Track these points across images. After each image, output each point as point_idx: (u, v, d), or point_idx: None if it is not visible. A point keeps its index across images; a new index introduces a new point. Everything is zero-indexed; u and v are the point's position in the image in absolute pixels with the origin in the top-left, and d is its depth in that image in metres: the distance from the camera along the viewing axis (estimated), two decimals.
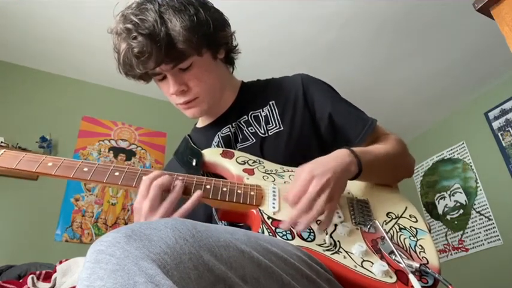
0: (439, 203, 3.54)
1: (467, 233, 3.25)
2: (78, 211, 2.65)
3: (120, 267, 0.39)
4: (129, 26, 0.82)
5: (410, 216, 0.81)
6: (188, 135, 1.08)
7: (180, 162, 0.99)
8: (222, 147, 0.97)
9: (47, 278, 1.34)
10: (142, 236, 0.44)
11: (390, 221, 0.79)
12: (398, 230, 0.77)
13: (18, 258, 2.00)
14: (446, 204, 3.47)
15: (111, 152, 2.96)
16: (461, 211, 3.34)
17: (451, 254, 3.32)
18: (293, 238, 0.70)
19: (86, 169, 0.76)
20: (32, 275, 1.30)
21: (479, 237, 3.15)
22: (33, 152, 2.56)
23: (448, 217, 3.43)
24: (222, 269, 0.46)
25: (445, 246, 3.39)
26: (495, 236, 3.04)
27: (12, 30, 2.61)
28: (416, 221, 0.80)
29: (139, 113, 3.17)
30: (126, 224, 2.72)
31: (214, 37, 0.90)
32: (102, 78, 3.05)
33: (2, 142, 2.48)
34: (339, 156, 0.77)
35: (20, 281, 1.47)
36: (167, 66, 0.86)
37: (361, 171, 0.78)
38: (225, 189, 0.78)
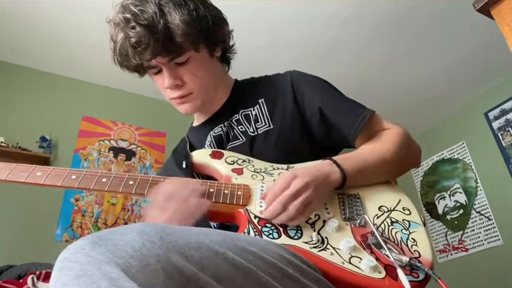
0: (439, 203, 3.54)
1: (467, 233, 3.25)
2: (78, 211, 2.65)
3: (83, 273, 0.40)
4: (128, 15, 0.82)
5: (403, 208, 0.80)
6: (187, 135, 1.08)
7: (175, 163, 1.00)
8: (214, 146, 0.97)
9: (47, 278, 1.34)
10: (107, 241, 0.45)
11: (382, 214, 0.78)
12: (390, 224, 0.75)
13: (18, 258, 2.00)
14: (446, 204, 3.47)
15: (111, 152, 2.96)
16: (461, 211, 3.33)
17: (451, 254, 3.32)
18: (279, 236, 0.70)
19: (73, 176, 0.77)
20: (32, 275, 1.30)
21: (479, 237, 3.15)
22: (33, 152, 2.57)
23: (448, 217, 3.43)
24: (192, 269, 0.47)
25: (445, 246, 3.39)
26: (495, 236, 3.04)
27: (12, 31, 2.62)
28: (410, 214, 0.78)
29: (139, 113, 3.17)
30: (126, 223, 2.72)
31: (212, 34, 0.90)
32: (102, 78, 3.06)
33: (2, 142, 2.48)
34: (319, 166, 0.79)
35: (20, 281, 1.47)
36: (163, 59, 0.86)
37: (345, 179, 0.79)
38: (212, 190, 0.78)
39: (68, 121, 2.90)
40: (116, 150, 2.99)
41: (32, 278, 1.29)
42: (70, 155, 2.79)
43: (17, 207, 2.48)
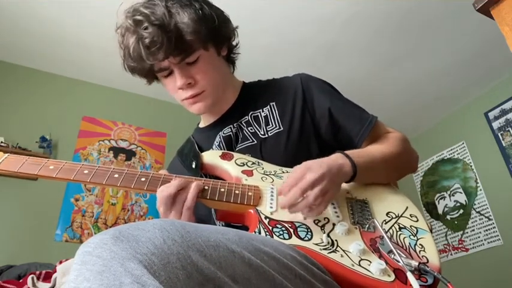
0: (439, 203, 3.54)
1: (467, 233, 3.25)
2: (78, 211, 2.65)
3: (106, 269, 0.40)
4: (140, 17, 0.84)
5: (410, 215, 0.81)
6: (192, 136, 1.09)
7: (183, 164, 1.00)
8: (224, 147, 0.97)
9: (47, 278, 1.34)
10: (129, 237, 0.44)
11: (390, 220, 0.79)
12: (398, 230, 0.77)
13: (18, 258, 2.00)
14: (446, 204, 3.47)
15: (111, 152, 2.96)
16: (461, 211, 3.34)
17: (451, 254, 3.32)
18: (290, 237, 0.71)
19: (86, 171, 0.78)
20: (32, 275, 1.29)
21: (479, 237, 3.15)
22: (33, 152, 2.57)
23: (448, 217, 3.43)
24: (211, 269, 0.47)
25: (445, 246, 3.39)
26: (495, 236, 3.04)
27: (12, 30, 2.62)
28: (417, 221, 0.80)
29: (139, 113, 3.18)
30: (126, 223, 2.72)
31: (219, 31, 0.92)
32: (102, 78, 3.05)
33: (2, 142, 2.48)
34: (332, 159, 0.80)
35: (20, 281, 1.47)
36: (175, 60, 0.87)
37: (356, 172, 0.80)
38: (222, 189, 0.79)
39: (68, 121, 2.90)
40: (116, 150, 2.99)
41: (32, 278, 1.28)
42: (70, 155, 2.79)
43: (17, 207, 2.48)
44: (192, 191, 0.76)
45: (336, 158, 0.80)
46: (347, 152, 0.82)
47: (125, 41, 0.88)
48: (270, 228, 0.72)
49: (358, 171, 0.80)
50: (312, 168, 0.74)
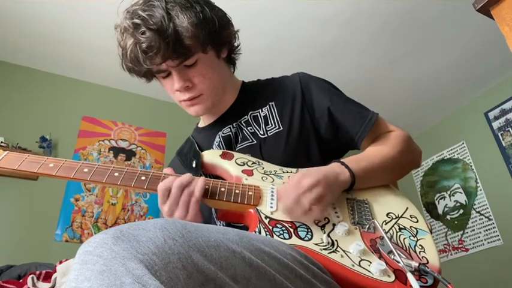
0: (439, 203, 3.54)
1: (467, 233, 3.25)
2: (78, 211, 2.65)
3: (107, 268, 0.40)
4: (137, 21, 0.82)
5: (410, 216, 0.81)
6: (192, 136, 1.08)
7: (183, 164, 1.00)
8: (223, 147, 0.97)
9: (47, 278, 1.34)
10: (130, 236, 0.44)
11: (390, 221, 0.79)
12: (398, 230, 0.77)
13: (18, 258, 2.00)
14: (446, 204, 3.47)
15: (111, 152, 2.96)
16: (461, 211, 3.34)
17: (451, 254, 3.32)
18: (290, 237, 0.71)
19: (86, 170, 0.79)
20: (32, 275, 1.30)
21: (479, 237, 3.15)
22: (33, 152, 2.57)
23: (448, 217, 3.43)
24: (211, 269, 0.47)
25: (445, 246, 3.39)
26: (495, 236, 3.04)
27: (12, 30, 2.62)
28: (417, 221, 0.80)
29: (139, 113, 3.17)
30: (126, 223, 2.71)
31: (219, 35, 0.91)
32: (102, 78, 3.05)
33: (2, 142, 2.48)
34: (329, 167, 0.81)
35: (20, 281, 1.47)
36: (173, 63, 0.86)
37: (354, 180, 0.80)
38: (223, 189, 0.79)
39: (68, 121, 2.90)
40: (116, 150, 2.98)
41: (32, 278, 1.29)
42: (70, 155, 2.79)
43: (17, 207, 2.48)
44: (199, 183, 0.76)
45: (333, 167, 0.80)
46: (345, 160, 0.83)
47: (123, 41, 0.87)
48: (270, 228, 0.72)
49: (356, 180, 0.80)
50: (308, 175, 0.74)
